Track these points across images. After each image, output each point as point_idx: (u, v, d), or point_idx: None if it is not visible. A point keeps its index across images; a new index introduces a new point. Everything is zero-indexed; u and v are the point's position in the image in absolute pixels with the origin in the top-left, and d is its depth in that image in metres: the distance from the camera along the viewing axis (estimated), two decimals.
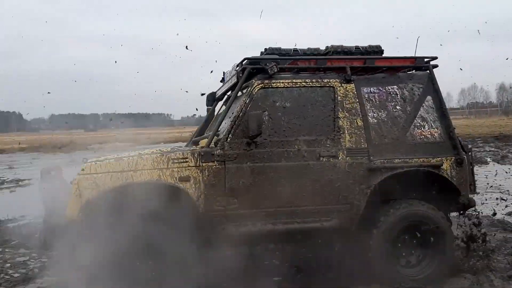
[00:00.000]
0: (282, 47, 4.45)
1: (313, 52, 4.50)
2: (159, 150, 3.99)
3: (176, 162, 3.80)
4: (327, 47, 4.53)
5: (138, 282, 3.60)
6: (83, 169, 3.70)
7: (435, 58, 4.48)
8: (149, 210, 3.60)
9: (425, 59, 4.44)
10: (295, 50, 4.45)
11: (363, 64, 4.30)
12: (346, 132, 4.10)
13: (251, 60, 4.12)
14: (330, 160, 4.02)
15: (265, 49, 4.44)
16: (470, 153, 4.48)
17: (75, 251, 3.57)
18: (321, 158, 4.00)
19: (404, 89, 4.33)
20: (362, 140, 4.11)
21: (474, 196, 4.51)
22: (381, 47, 4.55)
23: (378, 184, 4.03)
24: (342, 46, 4.48)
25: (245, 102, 3.99)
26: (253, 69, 4.09)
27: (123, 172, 3.70)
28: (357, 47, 4.48)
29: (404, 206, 4.11)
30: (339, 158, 4.03)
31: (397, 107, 4.28)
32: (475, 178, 4.56)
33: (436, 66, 4.48)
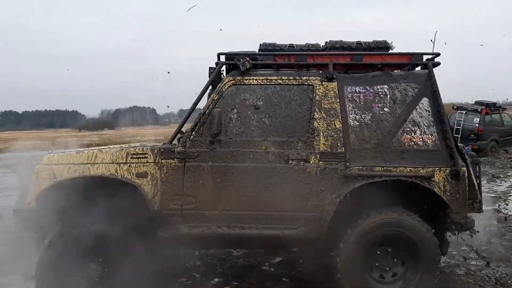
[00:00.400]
0: (277, 43, 4.10)
1: (310, 48, 4.09)
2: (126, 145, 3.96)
3: (135, 157, 3.70)
4: (326, 42, 4.14)
5: (86, 277, 3.57)
6: (44, 160, 3.77)
7: (437, 54, 3.95)
8: (101, 204, 3.56)
9: (425, 56, 3.93)
10: (291, 45, 4.08)
11: (350, 60, 3.91)
12: (322, 134, 3.73)
13: (227, 56, 3.90)
14: (300, 164, 3.68)
15: (260, 44, 4.12)
16: (477, 165, 3.98)
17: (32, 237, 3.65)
18: (290, 161, 3.68)
19: (396, 89, 3.84)
20: (339, 144, 3.71)
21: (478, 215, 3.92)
22: (387, 43, 4.05)
23: (351, 193, 3.62)
24: (341, 41, 4.07)
25: (213, 99, 3.78)
26: (229, 65, 3.91)
27: (81, 165, 3.68)
28: (358, 43, 4.04)
29: (373, 215, 3.65)
30: (311, 162, 3.68)
31: (385, 109, 3.81)
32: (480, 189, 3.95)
33: (437, 64, 3.95)
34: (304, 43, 4.15)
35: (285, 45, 4.10)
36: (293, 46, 4.10)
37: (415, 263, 3.67)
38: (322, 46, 4.15)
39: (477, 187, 3.84)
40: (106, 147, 4.03)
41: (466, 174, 3.68)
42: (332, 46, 4.05)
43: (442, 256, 3.93)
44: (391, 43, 4.08)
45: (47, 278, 3.52)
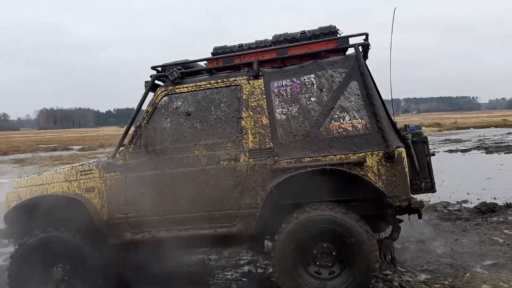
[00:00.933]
0: (228, 44, 4.22)
1: (259, 45, 4.10)
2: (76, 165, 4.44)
3: (83, 174, 4.09)
4: (272, 36, 4.15)
5: (50, 280, 3.98)
6: (13, 184, 4.33)
7: (365, 35, 3.79)
8: (55, 219, 3.97)
9: (351, 39, 3.82)
10: (240, 45, 4.14)
11: (275, 55, 3.91)
12: (249, 132, 3.77)
13: (157, 68, 4.11)
14: (231, 164, 3.75)
15: (213, 48, 4.26)
16: (425, 143, 3.75)
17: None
18: (221, 162, 3.77)
19: (323, 77, 3.75)
20: (267, 140, 3.73)
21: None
22: (333, 28, 3.95)
23: (276, 186, 3.57)
24: (286, 34, 4.09)
25: (148, 111, 3.99)
26: (161, 77, 4.09)
27: (41, 185, 4.15)
28: (303, 32, 4.04)
29: (308, 211, 3.55)
30: (241, 160, 3.74)
31: (312, 99, 3.74)
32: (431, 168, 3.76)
33: (367, 45, 3.80)
34: (253, 41, 4.18)
35: (235, 46, 4.16)
36: (242, 46, 4.15)
37: (351, 265, 3.51)
38: (270, 40, 4.13)
39: (422, 166, 3.67)
40: (63, 167, 4.48)
41: (403, 155, 3.47)
42: (277, 40, 4.06)
43: (391, 241, 3.78)
44: (336, 28, 3.97)
45: (18, 285, 4.01)
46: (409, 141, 3.67)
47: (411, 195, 3.54)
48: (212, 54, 4.17)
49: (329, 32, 3.93)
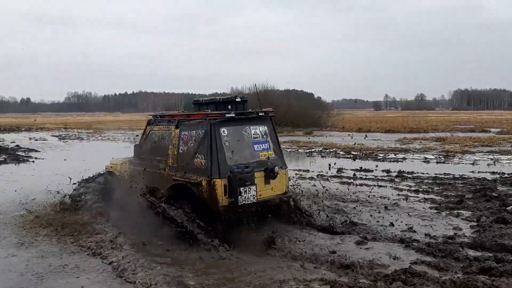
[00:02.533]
0: (201, 99, 7.55)
1: (228, 99, 7.01)
2: None
3: (124, 164, 8.38)
4: (193, 100, 7.67)
5: None
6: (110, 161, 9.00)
7: (217, 114, 6.54)
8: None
9: (207, 116, 6.49)
10: (212, 98, 7.30)
11: (184, 117, 7.01)
12: (170, 156, 6.98)
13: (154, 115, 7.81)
14: (161, 171, 7.09)
15: (194, 100, 7.68)
16: (230, 175, 6.14)
17: None
18: (160, 168, 7.12)
19: (195, 132, 6.65)
20: (175, 162, 6.90)
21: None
22: (235, 98, 6.93)
23: (171, 185, 6.84)
24: (213, 98, 7.26)
25: (143, 134, 7.93)
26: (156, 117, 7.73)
27: (112, 165, 8.76)
28: (226, 98, 7.07)
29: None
30: (166, 170, 6.99)
31: (191, 144, 6.72)
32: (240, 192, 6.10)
33: (216, 119, 6.44)
34: (224, 95, 7.26)
35: (210, 99, 7.30)
36: (214, 98, 7.22)
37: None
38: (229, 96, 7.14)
39: (232, 191, 6.13)
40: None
41: (217, 183, 6.16)
42: (195, 102, 7.50)
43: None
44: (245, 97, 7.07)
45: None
46: (229, 175, 6.11)
47: (227, 205, 6.14)
48: (193, 103, 7.60)
49: (245, 99, 7.02)
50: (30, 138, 28.59)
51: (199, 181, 6.26)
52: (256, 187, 6.29)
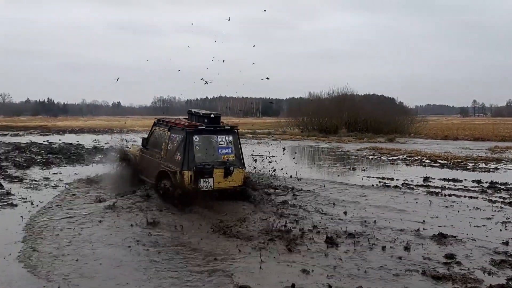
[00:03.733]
0: (194, 110, 10.11)
1: (205, 114, 9.62)
2: None
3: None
4: (188, 111, 10.44)
5: None
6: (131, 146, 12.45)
7: (191, 126, 9.19)
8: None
9: (185, 126, 9.16)
10: (195, 111, 9.95)
11: (174, 124, 9.64)
12: (163, 150, 9.64)
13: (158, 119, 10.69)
14: (157, 160, 9.72)
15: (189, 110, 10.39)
16: (195, 169, 8.70)
17: None
18: (156, 158, 9.78)
19: (178, 136, 9.26)
20: (165, 155, 9.54)
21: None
22: (210, 114, 9.53)
23: (159, 171, 9.47)
24: (200, 112, 9.81)
25: (150, 131, 10.76)
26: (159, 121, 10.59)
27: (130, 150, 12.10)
28: (206, 113, 9.65)
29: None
30: (160, 160, 9.59)
31: (175, 143, 9.33)
32: (200, 181, 8.71)
33: (190, 128, 9.06)
34: (205, 111, 9.93)
35: (196, 112, 9.85)
36: (198, 112, 9.82)
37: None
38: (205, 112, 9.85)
39: (195, 179, 8.69)
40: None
41: (185, 173, 8.71)
42: (189, 112, 10.18)
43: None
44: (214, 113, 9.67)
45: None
46: (194, 169, 8.66)
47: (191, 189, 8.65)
48: (187, 113, 10.33)
49: (219, 115, 9.70)
50: (121, 140, 30.66)
51: (175, 171, 8.96)
52: (213, 179, 8.82)
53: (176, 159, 9.09)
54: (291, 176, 12.59)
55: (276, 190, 10.66)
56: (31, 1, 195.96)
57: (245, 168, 9.53)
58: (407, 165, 17.36)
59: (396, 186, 11.76)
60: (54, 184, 11.26)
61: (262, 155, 14.53)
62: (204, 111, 9.78)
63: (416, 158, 19.20)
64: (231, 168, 8.93)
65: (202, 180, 8.70)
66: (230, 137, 9.36)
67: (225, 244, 6.54)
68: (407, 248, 6.42)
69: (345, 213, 8.56)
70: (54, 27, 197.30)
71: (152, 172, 9.80)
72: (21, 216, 7.82)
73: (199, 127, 9.09)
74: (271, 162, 12.13)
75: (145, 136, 11.22)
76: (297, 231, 7.16)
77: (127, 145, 13.33)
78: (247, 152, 12.65)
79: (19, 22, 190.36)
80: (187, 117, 10.16)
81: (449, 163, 17.32)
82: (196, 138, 8.99)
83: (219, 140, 9.27)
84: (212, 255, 6.05)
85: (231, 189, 9.18)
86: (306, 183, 11.99)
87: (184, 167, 8.77)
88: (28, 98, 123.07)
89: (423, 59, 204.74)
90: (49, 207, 8.58)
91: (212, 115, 9.46)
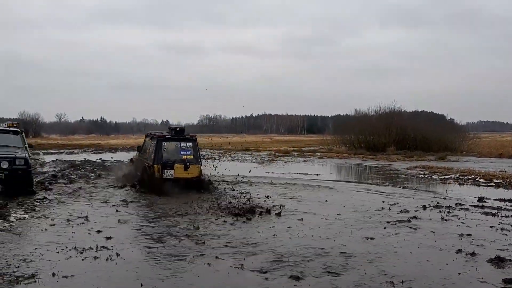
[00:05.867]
0: (170, 125, 16.26)
1: (178, 127, 14.39)
2: None
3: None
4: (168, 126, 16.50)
5: None
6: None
7: (161, 135, 14.02)
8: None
9: (157, 136, 13.88)
10: (171, 127, 14.60)
11: (153, 135, 14.47)
12: (147, 153, 14.21)
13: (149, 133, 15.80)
14: (145, 161, 14.09)
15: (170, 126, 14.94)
16: (161, 164, 12.90)
17: None
18: (145, 161, 14.03)
19: (154, 143, 13.62)
20: (149, 157, 13.73)
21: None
22: (176, 127, 14.16)
23: (143, 167, 13.97)
24: (172, 126, 14.64)
25: (144, 141, 16.01)
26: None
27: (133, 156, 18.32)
28: (173, 127, 14.35)
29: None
30: (145, 160, 14.15)
31: (152, 148, 13.66)
32: (165, 172, 12.94)
33: (160, 137, 13.68)
34: (175, 126, 15.25)
35: (169, 126, 14.87)
36: (171, 126, 14.73)
37: None
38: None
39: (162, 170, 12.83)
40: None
41: (156, 167, 12.92)
42: (169, 128, 14.74)
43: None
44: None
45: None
46: (160, 164, 12.92)
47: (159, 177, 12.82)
48: (168, 128, 15.06)
49: (183, 128, 14.39)
50: None
51: (150, 165, 13.15)
52: (174, 171, 12.79)
53: (151, 158, 13.22)
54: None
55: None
56: (81, 26, 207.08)
57: (201, 165, 13.61)
58: (459, 184, 16.79)
59: (449, 207, 11.39)
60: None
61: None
62: (174, 126, 14.62)
63: (470, 177, 18.51)
64: (188, 164, 12.94)
65: (165, 171, 12.77)
66: (190, 144, 13.52)
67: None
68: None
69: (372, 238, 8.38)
70: (104, 49, 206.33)
71: (140, 167, 14.25)
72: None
73: (166, 136, 13.53)
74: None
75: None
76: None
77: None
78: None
79: (71, 45, 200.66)
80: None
81: (505, 183, 16.59)
82: (164, 143, 13.32)
83: (181, 145, 13.47)
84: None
85: (189, 179, 12.92)
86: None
87: (155, 162, 12.95)
88: (82, 118, 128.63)
89: (472, 73, 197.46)
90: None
91: (178, 128, 13.95)
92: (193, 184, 12.90)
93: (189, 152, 13.29)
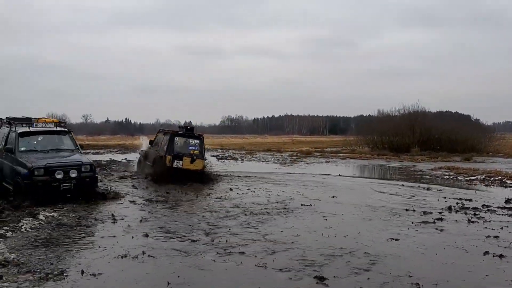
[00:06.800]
0: (181, 125, 21.19)
1: (186, 125, 20.08)
2: None
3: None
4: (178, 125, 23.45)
5: None
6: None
7: (174, 131, 16.60)
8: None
9: (170, 132, 16.36)
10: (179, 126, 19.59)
11: (166, 131, 17.19)
12: (160, 146, 16.40)
13: (163, 129, 18.34)
14: (158, 155, 16.13)
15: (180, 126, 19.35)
16: (172, 155, 15.31)
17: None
18: (157, 154, 16.11)
19: (167, 138, 16.11)
20: (161, 150, 15.97)
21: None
22: (187, 126, 17.21)
23: (155, 157, 16.30)
24: (183, 125, 19.01)
25: (156, 136, 18.68)
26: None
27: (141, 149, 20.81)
28: (183, 125, 18.68)
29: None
30: (158, 152, 16.20)
31: (165, 142, 16.01)
32: (175, 162, 15.36)
33: (173, 132, 16.33)
34: (185, 125, 20.39)
35: (179, 126, 19.71)
36: (181, 126, 18.73)
37: None
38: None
39: (170, 161, 15.28)
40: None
41: (167, 157, 15.27)
42: (179, 126, 18.72)
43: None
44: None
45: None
46: (172, 155, 15.34)
47: (170, 166, 15.24)
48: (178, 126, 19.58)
49: (192, 127, 17.23)
50: None
51: (162, 156, 15.27)
52: (182, 162, 15.08)
53: (164, 149, 15.50)
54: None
55: None
56: (104, 31, 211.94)
57: (205, 160, 15.95)
58: (486, 185, 16.47)
59: (475, 208, 11.19)
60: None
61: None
62: (184, 125, 18.28)
63: (496, 178, 18.13)
64: (194, 157, 15.32)
65: (175, 161, 15.10)
66: (197, 141, 15.87)
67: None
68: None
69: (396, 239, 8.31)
70: (126, 53, 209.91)
71: (151, 158, 16.58)
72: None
73: (179, 132, 16.18)
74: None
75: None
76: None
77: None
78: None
79: (96, 50, 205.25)
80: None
81: None
82: (176, 139, 15.78)
83: (190, 141, 15.85)
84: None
85: (194, 171, 15.16)
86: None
87: (167, 153, 15.21)
88: (107, 119, 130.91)
89: (497, 74, 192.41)
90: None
91: (188, 127, 16.76)
92: (197, 176, 15.13)
93: (196, 148, 15.70)
